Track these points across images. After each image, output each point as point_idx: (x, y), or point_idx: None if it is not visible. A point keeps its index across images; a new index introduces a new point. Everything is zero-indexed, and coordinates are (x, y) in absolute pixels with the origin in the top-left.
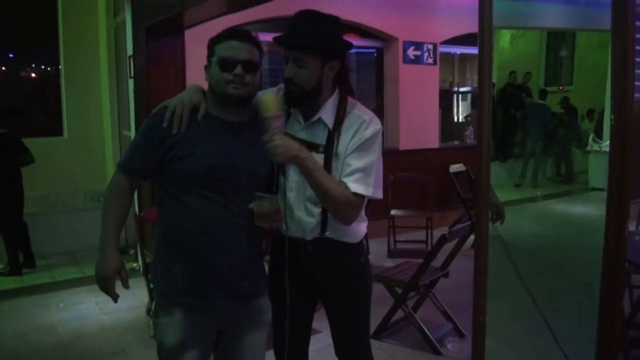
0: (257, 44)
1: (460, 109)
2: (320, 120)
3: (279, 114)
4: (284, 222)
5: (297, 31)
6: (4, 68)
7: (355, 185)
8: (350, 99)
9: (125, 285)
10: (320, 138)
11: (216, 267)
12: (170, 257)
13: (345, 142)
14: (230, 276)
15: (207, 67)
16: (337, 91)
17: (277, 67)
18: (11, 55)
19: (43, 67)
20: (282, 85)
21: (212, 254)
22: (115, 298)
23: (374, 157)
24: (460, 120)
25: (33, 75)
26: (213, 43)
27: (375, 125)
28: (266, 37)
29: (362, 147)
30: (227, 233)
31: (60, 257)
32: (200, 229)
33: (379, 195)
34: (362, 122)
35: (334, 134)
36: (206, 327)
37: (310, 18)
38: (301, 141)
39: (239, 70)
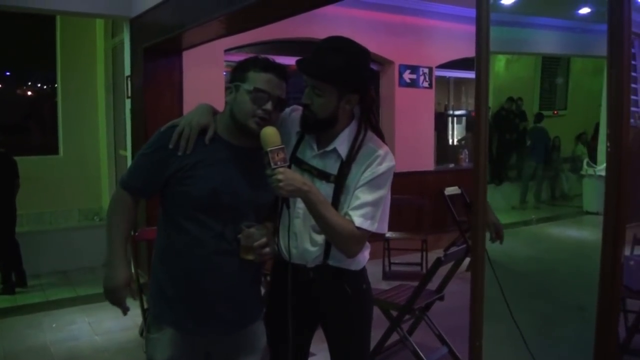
0: (287, 80)
1: (455, 132)
2: (334, 150)
3: (280, 147)
4: (270, 257)
5: (318, 59)
6: (4, 82)
7: (360, 220)
8: (369, 132)
9: (135, 296)
10: (332, 168)
11: (207, 294)
12: (164, 280)
13: (356, 175)
14: (221, 304)
15: (230, 89)
16: (354, 122)
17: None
18: (8, 74)
19: (40, 85)
20: (295, 106)
21: (204, 281)
22: (125, 310)
23: (383, 193)
24: (455, 144)
25: (29, 93)
26: (246, 68)
27: (389, 162)
28: None
29: (373, 182)
30: (221, 260)
31: (53, 277)
32: (193, 255)
33: (384, 230)
34: (377, 156)
35: (346, 166)
36: (196, 348)
37: (334, 48)
38: (313, 168)
39: (269, 106)
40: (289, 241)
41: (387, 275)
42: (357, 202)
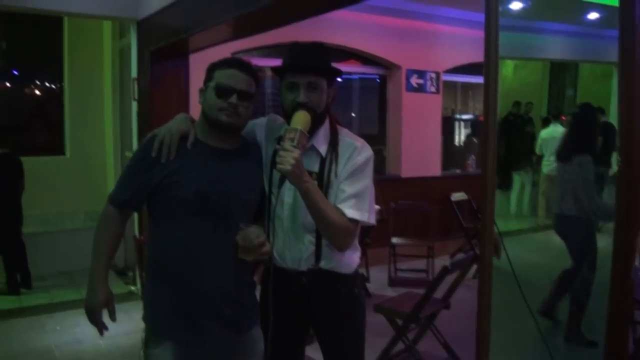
0: (255, 76)
1: (462, 137)
2: (312, 147)
3: (306, 135)
4: (269, 255)
5: (307, 56)
6: (8, 84)
7: (351, 211)
8: (337, 126)
9: (112, 318)
10: (313, 166)
11: (205, 296)
12: (158, 289)
13: (338, 169)
14: (221, 304)
15: (202, 91)
16: (327, 119)
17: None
18: (16, 73)
19: (47, 85)
20: (273, 115)
21: (200, 283)
22: (101, 331)
23: (366, 182)
24: (461, 144)
25: (37, 92)
26: (213, 68)
27: (367, 152)
28: (270, 63)
29: (355, 173)
30: (216, 261)
31: (59, 278)
32: (187, 257)
33: (373, 220)
34: (355, 148)
35: (326, 162)
36: (198, 359)
37: (309, 46)
38: None
39: (234, 99)
40: (273, 242)
41: (393, 282)
42: (343, 195)
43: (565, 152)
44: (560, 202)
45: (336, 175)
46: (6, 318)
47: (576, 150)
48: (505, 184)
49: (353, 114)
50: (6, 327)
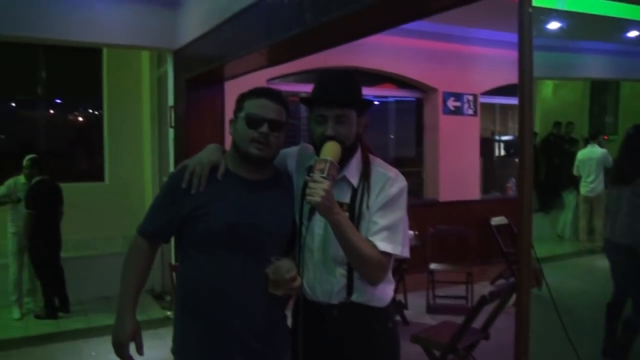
0: (286, 105)
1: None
2: (344, 178)
3: (337, 165)
4: (299, 289)
5: (335, 89)
6: (50, 111)
7: (383, 244)
8: (370, 155)
9: (140, 352)
10: (345, 197)
11: (235, 331)
12: (187, 322)
13: (371, 200)
14: (251, 340)
15: (232, 121)
16: (359, 149)
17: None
18: (57, 101)
19: (87, 113)
20: (304, 144)
21: (229, 317)
22: None
23: (400, 214)
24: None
25: (77, 120)
26: (243, 99)
27: (400, 182)
28: (305, 88)
29: (388, 205)
30: (246, 295)
31: (97, 303)
32: (215, 291)
33: (406, 253)
34: (388, 179)
35: (358, 193)
36: None
37: (338, 77)
38: None
39: (264, 128)
40: (303, 274)
41: (431, 309)
42: (376, 227)
43: (618, 175)
44: (610, 228)
45: (368, 206)
46: (44, 342)
47: (630, 174)
48: (547, 207)
49: (392, 136)
50: (43, 353)
